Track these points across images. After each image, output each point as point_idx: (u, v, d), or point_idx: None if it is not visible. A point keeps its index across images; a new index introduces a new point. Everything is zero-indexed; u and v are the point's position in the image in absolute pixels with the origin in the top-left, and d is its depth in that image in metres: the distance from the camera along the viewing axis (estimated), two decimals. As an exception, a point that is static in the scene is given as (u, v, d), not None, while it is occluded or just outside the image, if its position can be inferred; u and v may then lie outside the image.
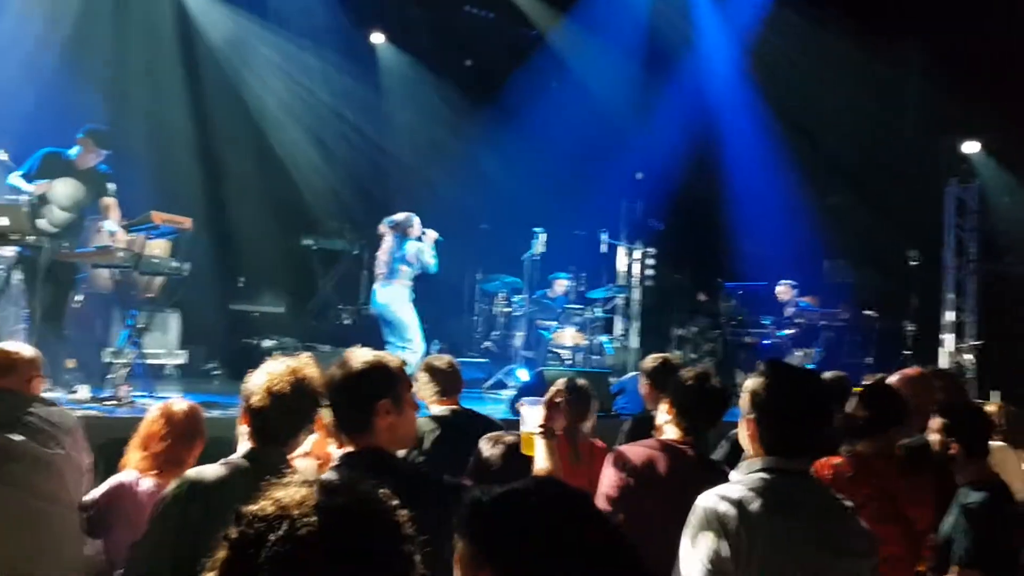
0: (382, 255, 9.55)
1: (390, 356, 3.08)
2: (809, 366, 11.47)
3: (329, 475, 2.77)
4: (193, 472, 2.95)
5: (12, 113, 9.80)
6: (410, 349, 9.29)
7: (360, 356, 2.96)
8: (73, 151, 7.49)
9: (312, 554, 1.37)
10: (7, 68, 10.07)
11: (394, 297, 9.44)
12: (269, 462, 2.96)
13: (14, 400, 3.58)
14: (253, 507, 1.45)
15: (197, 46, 11.68)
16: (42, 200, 7.27)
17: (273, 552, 1.37)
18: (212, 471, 2.93)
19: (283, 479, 2.62)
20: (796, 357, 12.27)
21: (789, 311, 12.56)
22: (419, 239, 9.57)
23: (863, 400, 3.94)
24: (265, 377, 3.04)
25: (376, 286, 9.59)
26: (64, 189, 7.41)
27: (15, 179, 7.31)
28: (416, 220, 9.65)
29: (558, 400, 3.25)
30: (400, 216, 9.69)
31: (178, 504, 2.85)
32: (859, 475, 3.65)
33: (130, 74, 11.28)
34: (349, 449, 2.87)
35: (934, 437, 3.93)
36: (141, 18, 11.28)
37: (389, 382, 2.91)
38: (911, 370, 4.93)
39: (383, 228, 9.69)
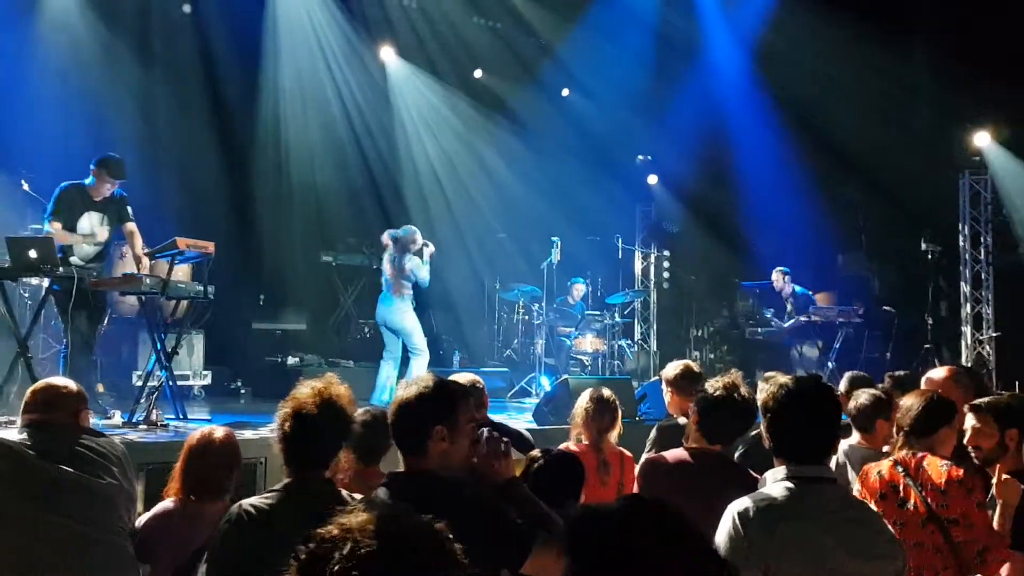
0: (386, 267, 9.69)
1: (458, 383, 3.15)
2: (829, 364, 11.54)
3: (379, 493, 2.87)
4: (246, 502, 3.03)
5: (35, 143, 9.98)
6: (420, 356, 9.55)
7: (425, 379, 3.03)
8: (88, 181, 7.56)
9: (370, 573, 1.51)
10: (31, 97, 10.25)
11: (398, 308, 9.55)
12: (314, 488, 3.07)
13: (64, 432, 3.69)
14: (321, 530, 1.59)
15: (216, 70, 11.78)
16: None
17: (336, 569, 1.51)
18: (260, 502, 3.02)
19: (345, 505, 2.74)
20: (802, 351, 12.27)
21: (787, 299, 12.51)
22: (419, 253, 9.67)
23: (913, 402, 3.99)
24: (293, 404, 3.11)
25: (382, 297, 9.72)
26: (87, 223, 7.50)
27: (62, 235, 7.33)
28: (417, 234, 9.76)
29: None
30: (400, 231, 9.81)
31: (235, 532, 2.95)
32: (891, 471, 3.74)
33: (151, 100, 11.41)
34: (400, 469, 2.97)
35: (972, 433, 4.01)
36: (163, 43, 11.43)
37: (449, 409, 2.97)
38: (939, 371, 4.98)
39: (386, 239, 9.82)
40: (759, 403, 3.00)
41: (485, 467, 3.08)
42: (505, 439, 3.15)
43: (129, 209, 7.79)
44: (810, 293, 12.64)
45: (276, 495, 3.04)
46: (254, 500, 3.04)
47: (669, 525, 1.76)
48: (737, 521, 2.73)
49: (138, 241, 7.70)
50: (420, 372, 8.98)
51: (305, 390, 3.14)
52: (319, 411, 3.09)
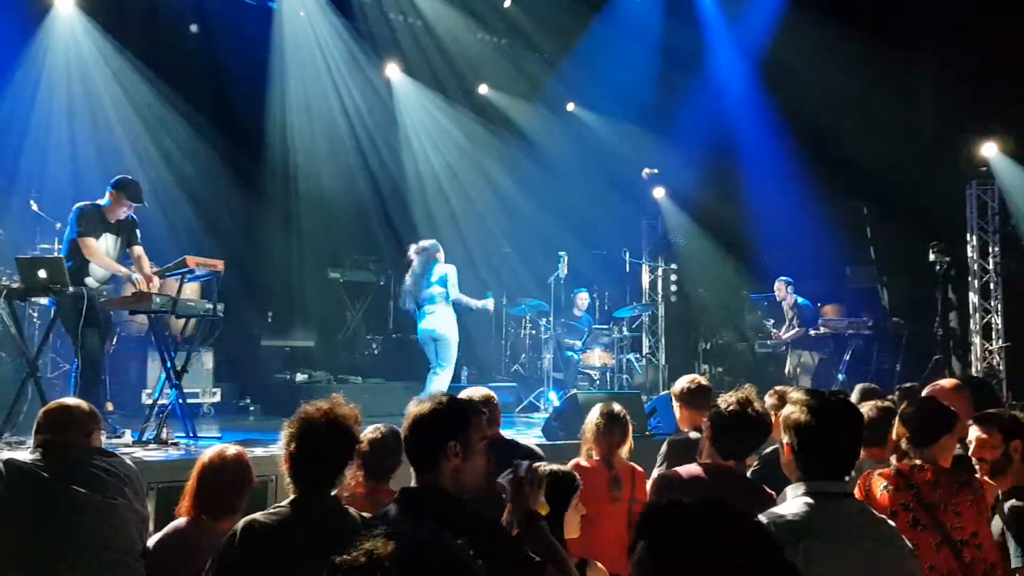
0: (413, 280, 9.67)
1: (471, 402, 3.17)
2: (840, 376, 11.51)
3: (392, 510, 2.87)
4: (248, 519, 3.04)
5: (42, 163, 10.05)
6: (446, 369, 9.51)
7: (440, 395, 3.08)
8: (103, 202, 7.57)
9: None
10: (39, 117, 10.32)
11: (451, 317, 9.59)
12: (320, 507, 3.08)
13: (76, 453, 3.71)
14: (347, 557, 1.58)
15: (224, 88, 11.84)
16: (85, 258, 7.35)
17: None
18: (266, 518, 3.02)
19: (352, 523, 2.73)
20: (800, 360, 12.23)
21: (790, 309, 12.48)
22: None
23: (914, 411, 3.98)
24: (298, 424, 3.13)
25: (426, 311, 9.68)
26: (103, 244, 7.49)
27: (99, 254, 7.31)
28: (439, 247, 9.80)
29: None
30: (427, 242, 9.82)
31: (236, 550, 2.95)
32: (899, 484, 3.71)
33: (159, 119, 11.47)
34: (411, 485, 2.97)
35: (977, 444, 3.99)
36: (170, 62, 11.48)
37: (462, 425, 2.99)
38: (946, 381, 4.97)
39: (412, 254, 9.82)
40: (781, 419, 2.99)
41: (515, 493, 3.11)
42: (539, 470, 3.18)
43: (138, 232, 7.79)
44: (813, 305, 12.61)
45: (282, 512, 3.05)
46: (259, 516, 3.04)
47: (752, 532, 1.76)
48: None
49: (145, 264, 7.68)
50: (441, 387, 9.02)
51: (310, 409, 3.17)
52: (325, 430, 3.11)
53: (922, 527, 3.57)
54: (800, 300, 12.47)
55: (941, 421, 3.91)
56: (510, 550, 2.83)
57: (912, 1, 12.72)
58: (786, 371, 12.23)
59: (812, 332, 12.13)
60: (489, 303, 10.03)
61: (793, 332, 12.27)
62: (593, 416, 4.87)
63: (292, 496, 3.12)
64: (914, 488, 3.67)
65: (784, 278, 12.54)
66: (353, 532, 2.79)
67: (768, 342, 13.24)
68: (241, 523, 3.03)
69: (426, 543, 1.63)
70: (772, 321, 12.70)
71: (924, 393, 4.77)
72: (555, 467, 3.62)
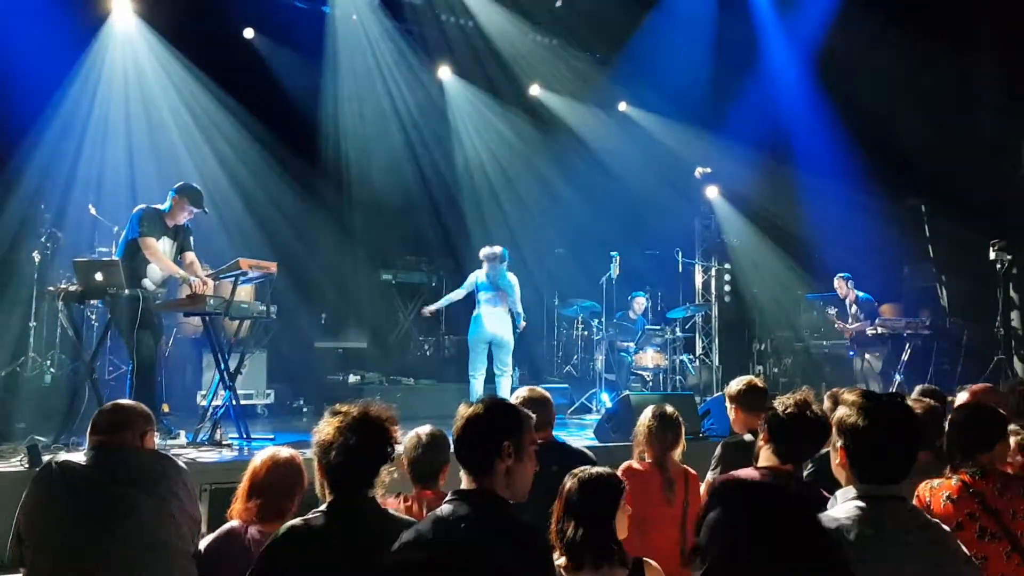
0: (495, 283, 9.78)
1: (520, 406, 3.19)
2: (898, 377, 11.30)
3: (445, 509, 2.87)
4: (287, 526, 3.02)
5: (100, 168, 10.21)
6: (507, 373, 9.71)
7: (490, 397, 3.14)
8: (165, 207, 7.66)
9: None
10: (96, 122, 10.48)
11: (510, 322, 9.72)
12: (357, 510, 3.06)
13: (130, 455, 3.73)
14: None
15: (277, 92, 11.95)
16: (143, 260, 7.44)
17: None
18: (307, 522, 3.01)
19: (394, 525, 2.72)
20: (867, 361, 12.02)
21: (851, 305, 12.28)
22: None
23: (966, 419, 3.87)
24: (329, 429, 3.10)
25: (488, 312, 9.78)
26: (162, 247, 7.56)
27: (159, 255, 7.37)
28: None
29: None
30: (497, 248, 9.92)
31: (275, 555, 2.96)
32: (961, 495, 3.58)
33: (213, 123, 11.61)
34: (465, 487, 2.97)
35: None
36: (225, 67, 11.62)
37: (517, 426, 3.02)
38: (979, 386, 4.85)
39: (494, 252, 9.92)
40: (835, 420, 2.91)
41: None
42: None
43: (191, 239, 7.89)
44: (873, 300, 12.40)
45: (322, 515, 3.03)
46: (297, 521, 3.03)
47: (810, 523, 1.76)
48: None
49: (198, 268, 7.77)
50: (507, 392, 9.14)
51: (340, 409, 3.15)
52: (356, 433, 3.08)
53: (991, 536, 3.45)
54: (861, 295, 12.28)
55: (995, 425, 3.80)
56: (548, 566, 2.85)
57: (972, -3, 12.53)
58: (855, 372, 12.06)
59: (870, 331, 11.92)
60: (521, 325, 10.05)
61: (857, 324, 12.08)
62: (645, 418, 4.82)
63: (329, 499, 3.09)
64: (979, 496, 3.55)
65: (843, 274, 12.35)
66: (394, 534, 2.79)
67: (824, 343, 13.04)
68: (281, 529, 3.02)
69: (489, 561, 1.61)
70: (835, 310, 12.47)
71: (963, 399, 4.65)
72: (601, 470, 3.57)
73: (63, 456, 3.85)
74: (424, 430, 4.17)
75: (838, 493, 2.85)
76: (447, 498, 2.99)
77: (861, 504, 2.71)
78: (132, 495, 3.56)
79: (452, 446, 3.15)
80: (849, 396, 2.93)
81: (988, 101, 13.11)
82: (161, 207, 7.63)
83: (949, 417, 4.05)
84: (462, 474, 3.01)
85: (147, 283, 7.42)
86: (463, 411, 3.05)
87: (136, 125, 10.94)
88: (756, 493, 1.75)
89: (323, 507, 3.08)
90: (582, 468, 3.55)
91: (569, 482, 3.46)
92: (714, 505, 1.74)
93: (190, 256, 7.80)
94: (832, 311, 12.49)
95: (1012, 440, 3.91)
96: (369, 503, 3.12)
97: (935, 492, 3.62)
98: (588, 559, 3.23)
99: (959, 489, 3.58)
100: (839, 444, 2.86)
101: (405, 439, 4.11)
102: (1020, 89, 11.93)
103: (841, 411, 2.88)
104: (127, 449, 3.75)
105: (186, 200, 7.60)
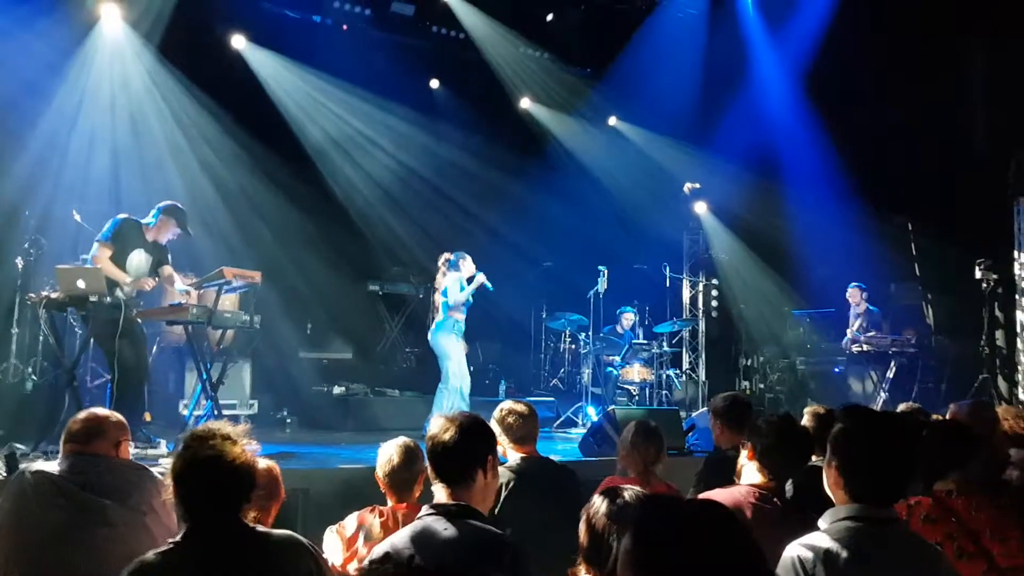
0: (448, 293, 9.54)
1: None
2: (882, 395, 11.30)
3: (427, 523, 2.84)
4: (137, 561, 2.73)
5: (84, 174, 10.15)
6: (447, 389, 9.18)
7: (466, 412, 3.13)
8: (148, 221, 7.61)
9: None
10: (82, 129, 10.43)
11: (434, 331, 9.44)
12: (220, 534, 2.82)
13: (105, 464, 3.67)
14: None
15: (259, 102, 11.93)
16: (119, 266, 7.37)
17: None
18: (156, 557, 2.73)
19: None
20: (863, 383, 12.04)
21: (860, 315, 12.28)
22: (470, 280, 9.47)
23: (937, 437, 3.85)
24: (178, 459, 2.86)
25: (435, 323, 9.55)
26: (136, 259, 7.53)
27: (108, 264, 7.25)
28: (467, 259, 9.56)
29: None
30: (452, 255, 9.61)
31: None
32: (938, 513, 3.56)
33: (198, 130, 11.57)
34: (442, 500, 2.93)
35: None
36: (209, 75, 11.59)
37: (493, 441, 3.12)
38: (965, 403, 4.86)
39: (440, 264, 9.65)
40: (829, 437, 2.87)
41: None
42: None
43: (169, 256, 7.85)
44: (880, 315, 12.44)
45: (173, 547, 2.76)
46: (149, 555, 2.74)
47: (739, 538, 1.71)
48: (798, 566, 2.57)
49: (176, 282, 7.73)
50: (447, 407, 8.78)
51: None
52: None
53: (968, 556, 3.42)
54: (872, 308, 12.32)
55: (966, 442, 3.78)
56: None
57: (961, 15, 12.53)
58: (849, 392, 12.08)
59: (855, 348, 11.95)
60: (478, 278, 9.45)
61: (857, 324, 12.13)
62: (628, 432, 4.78)
63: (185, 526, 2.82)
64: (955, 515, 3.53)
65: (858, 284, 12.38)
66: (270, 554, 2.67)
67: (810, 360, 13.04)
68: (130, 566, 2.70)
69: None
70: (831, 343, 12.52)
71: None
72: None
73: (37, 465, 3.80)
74: (398, 442, 4.11)
75: (827, 512, 2.81)
76: (424, 512, 2.95)
77: (851, 524, 2.67)
78: (105, 506, 3.50)
79: (426, 459, 3.11)
80: (841, 413, 2.91)
81: (977, 119, 13.17)
82: (144, 220, 7.59)
83: (923, 434, 4.04)
84: (437, 488, 2.98)
85: (120, 292, 7.35)
86: (445, 424, 3.02)
87: (122, 132, 10.89)
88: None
89: (180, 536, 2.81)
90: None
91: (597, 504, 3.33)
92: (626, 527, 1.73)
93: (168, 270, 7.76)
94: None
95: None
96: (234, 525, 2.85)
97: (914, 511, 3.59)
98: None
99: (935, 508, 3.56)
100: (833, 463, 2.83)
101: (379, 452, 4.06)
102: (1009, 108, 11.98)
103: (834, 429, 2.86)
104: (102, 458, 3.70)
105: (173, 220, 7.58)
